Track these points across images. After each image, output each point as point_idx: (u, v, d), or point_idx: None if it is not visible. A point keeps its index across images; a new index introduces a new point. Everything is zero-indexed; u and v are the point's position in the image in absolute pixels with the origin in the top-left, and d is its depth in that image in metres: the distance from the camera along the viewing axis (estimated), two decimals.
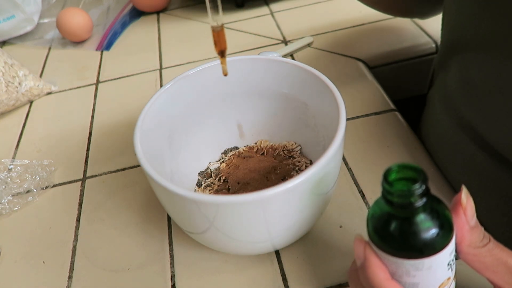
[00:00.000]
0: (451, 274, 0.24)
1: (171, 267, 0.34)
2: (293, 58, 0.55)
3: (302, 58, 0.55)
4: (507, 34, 0.27)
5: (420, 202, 0.21)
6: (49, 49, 0.66)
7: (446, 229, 0.22)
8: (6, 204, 0.41)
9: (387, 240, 0.22)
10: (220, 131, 0.40)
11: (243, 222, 0.27)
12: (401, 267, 0.22)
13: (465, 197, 0.23)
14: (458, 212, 0.23)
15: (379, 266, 0.23)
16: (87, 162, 0.45)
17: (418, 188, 0.21)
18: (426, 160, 0.39)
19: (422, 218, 0.21)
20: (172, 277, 0.33)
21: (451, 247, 0.22)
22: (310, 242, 0.34)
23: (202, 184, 0.38)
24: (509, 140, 0.29)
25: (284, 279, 0.32)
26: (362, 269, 0.24)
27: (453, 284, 0.25)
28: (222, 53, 0.29)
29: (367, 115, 0.45)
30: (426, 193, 0.21)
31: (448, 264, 0.23)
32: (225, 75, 0.30)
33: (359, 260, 0.24)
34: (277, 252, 0.34)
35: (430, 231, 0.21)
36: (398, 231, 0.22)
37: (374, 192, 0.37)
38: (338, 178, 0.32)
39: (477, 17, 0.30)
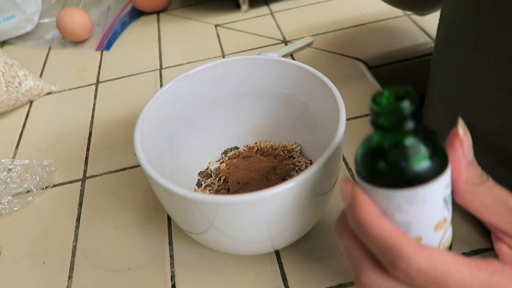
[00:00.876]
0: (447, 214, 0.22)
1: (171, 267, 0.34)
2: (293, 58, 0.55)
3: (302, 58, 0.55)
4: (504, 29, 0.27)
5: (410, 123, 0.20)
6: (49, 49, 0.66)
7: (440, 156, 0.21)
8: (6, 204, 0.41)
9: (377, 171, 0.21)
10: (220, 131, 0.40)
11: (243, 222, 0.27)
12: (393, 201, 0.21)
13: (462, 130, 0.22)
14: (454, 145, 0.22)
15: (368, 202, 0.21)
16: (87, 162, 0.45)
17: (408, 105, 0.19)
18: None
19: (413, 141, 0.20)
20: (172, 277, 0.33)
21: (446, 179, 0.21)
22: (310, 242, 0.34)
23: (202, 184, 0.38)
24: (509, 137, 0.29)
25: (284, 279, 0.32)
26: (350, 209, 0.22)
27: (450, 230, 0.23)
28: None
29: (367, 115, 0.45)
30: (417, 115, 0.20)
31: (444, 200, 0.21)
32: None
33: (346, 199, 0.22)
34: (277, 252, 0.34)
35: (423, 155, 0.20)
36: (389, 158, 0.20)
37: None
38: (338, 178, 0.32)
39: (474, 11, 0.30)
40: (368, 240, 0.21)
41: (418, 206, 0.21)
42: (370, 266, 0.22)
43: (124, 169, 0.43)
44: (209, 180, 0.38)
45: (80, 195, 0.41)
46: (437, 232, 0.22)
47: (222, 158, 0.40)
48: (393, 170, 0.20)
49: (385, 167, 0.21)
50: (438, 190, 0.21)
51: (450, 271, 0.20)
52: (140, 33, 0.67)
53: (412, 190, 0.20)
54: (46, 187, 0.42)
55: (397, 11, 0.61)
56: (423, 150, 0.20)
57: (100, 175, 0.43)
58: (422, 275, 0.20)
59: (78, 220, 0.39)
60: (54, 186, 0.43)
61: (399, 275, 0.20)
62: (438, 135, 0.21)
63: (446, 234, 0.23)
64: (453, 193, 0.22)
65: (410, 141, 0.20)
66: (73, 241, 0.37)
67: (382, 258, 0.21)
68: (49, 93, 0.56)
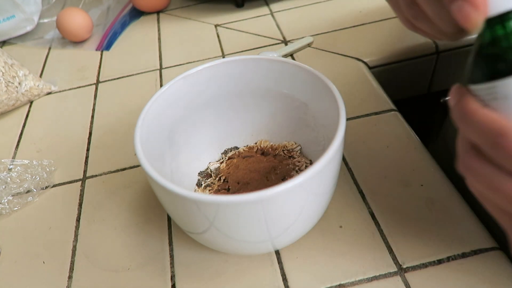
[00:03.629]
0: None
1: (171, 267, 0.34)
2: (293, 58, 0.55)
3: (302, 58, 0.55)
4: None
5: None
6: (49, 49, 0.66)
7: None
8: (6, 204, 0.41)
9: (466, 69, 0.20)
10: (220, 131, 0.40)
11: (243, 222, 0.27)
12: (484, 96, 0.20)
13: None
14: None
15: (472, 98, 0.20)
16: (87, 162, 0.45)
17: None
18: (428, 160, 0.39)
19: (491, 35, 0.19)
20: (172, 277, 0.33)
21: None
22: (310, 242, 0.34)
23: (202, 184, 0.38)
24: None
25: (284, 279, 0.32)
26: (456, 105, 0.21)
27: None
28: None
29: (367, 115, 0.45)
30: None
31: None
32: None
33: (453, 100, 0.21)
34: (277, 252, 0.34)
35: (498, 47, 0.19)
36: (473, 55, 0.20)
37: (374, 192, 0.37)
38: (338, 178, 0.32)
39: None
40: (473, 127, 0.21)
41: (502, 103, 0.20)
42: (471, 152, 0.22)
43: (124, 169, 0.43)
44: (209, 180, 0.38)
45: (80, 195, 0.41)
46: None
47: (222, 158, 0.40)
48: (470, 64, 0.20)
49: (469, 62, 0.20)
50: None
51: None
52: (140, 33, 0.67)
53: (489, 84, 0.20)
54: (46, 187, 0.42)
55: None
56: (497, 45, 0.19)
57: (100, 175, 0.43)
58: None
59: (78, 220, 0.39)
60: (54, 186, 0.43)
61: (497, 154, 0.20)
62: None
63: None
64: None
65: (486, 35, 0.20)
66: (73, 241, 0.37)
67: (484, 143, 0.20)
68: (49, 93, 0.56)
